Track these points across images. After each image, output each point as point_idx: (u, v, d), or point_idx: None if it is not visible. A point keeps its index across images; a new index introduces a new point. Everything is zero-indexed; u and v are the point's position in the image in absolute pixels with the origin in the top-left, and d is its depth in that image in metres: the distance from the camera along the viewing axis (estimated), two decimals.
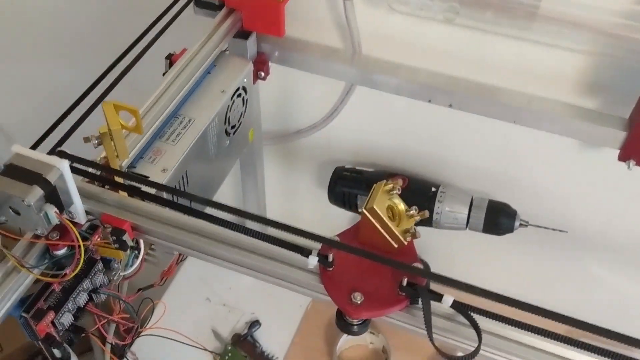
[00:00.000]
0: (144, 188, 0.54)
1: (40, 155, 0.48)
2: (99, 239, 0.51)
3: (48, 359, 0.50)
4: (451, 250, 0.97)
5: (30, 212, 0.46)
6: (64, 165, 0.48)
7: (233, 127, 0.72)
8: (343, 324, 0.49)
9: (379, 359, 0.94)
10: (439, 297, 0.46)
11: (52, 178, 0.47)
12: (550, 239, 0.82)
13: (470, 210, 0.77)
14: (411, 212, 0.50)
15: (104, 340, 0.58)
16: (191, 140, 0.63)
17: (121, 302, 0.54)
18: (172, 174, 0.60)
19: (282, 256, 0.50)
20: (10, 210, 0.47)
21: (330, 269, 0.49)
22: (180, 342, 0.73)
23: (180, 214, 0.52)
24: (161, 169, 0.60)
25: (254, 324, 0.96)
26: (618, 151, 0.64)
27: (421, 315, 0.46)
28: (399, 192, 0.50)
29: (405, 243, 0.50)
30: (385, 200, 0.50)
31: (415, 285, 0.47)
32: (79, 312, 0.51)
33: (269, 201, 0.98)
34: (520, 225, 0.77)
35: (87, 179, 0.54)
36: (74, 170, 0.51)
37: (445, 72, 0.71)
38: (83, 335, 0.52)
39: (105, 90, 0.60)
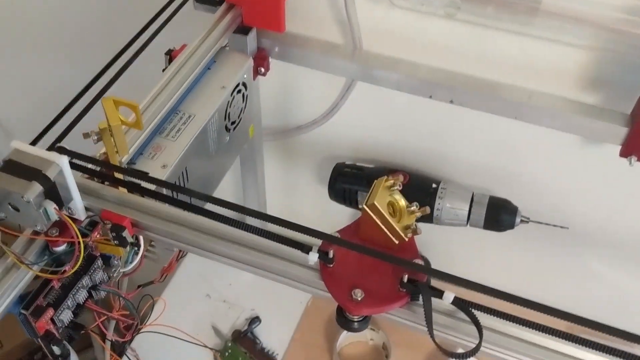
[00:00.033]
0: (144, 184, 0.54)
1: (39, 151, 0.48)
2: (98, 236, 0.51)
3: (48, 355, 0.50)
4: (452, 246, 0.97)
5: (29, 208, 0.46)
6: (64, 161, 0.47)
7: (233, 123, 0.72)
8: (343, 320, 0.49)
9: (380, 356, 0.94)
10: (439, 294, 0.45)
11: (51, 174, 0.47)
12: (551, 235, 0.82)
13: (471, 206, 0.77)
14: (412, 208, 0.50)
15: (103, 337, 0.58)
16: (191, 136, 0.63)
17: (121, 299, 0.54)
18: (172, 170, 0.60)
19: (283, 252, 0.50)
20: (10, 207, 0.47)
21: (331, 265, 0.48)
22: (180, 339, 0.73)
23: (180, 210, 0.52)
24: (161, 165, 0.60)
25: (254, 320, 0.96)
26: (619, 147, 0.64)
27: (422, 312, 0.45)
28: (400, 188, 0.50)
29: (406, 239, 0.50)
30: (386, 197, 0.50)
31: (416, 281, 0.46)
32: (78, 309, 0.51)
33: (269, 197, 0.98)
34: (521, 221, 0.77)
35: (86, 175, 0.54)
36: (73, 166, 0.51)
37: (446, 68, 0.70)
38: (83, 332, 0.52)
39: (105, 86, 0.60)
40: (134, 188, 0.53)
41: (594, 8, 0.61)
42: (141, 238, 0.54)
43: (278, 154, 0.97)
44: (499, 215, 0.77)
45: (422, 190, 0.79)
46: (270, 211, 1.01)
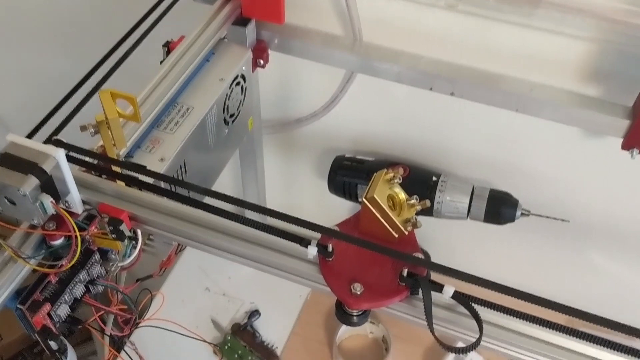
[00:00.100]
0: (142, 177, 0.53)
1: (35, 144, 0.47)
2: (96, 230, 0.50)
3: (45, 350, 0.50)
4: (452, 240, 0.97)
5: (25, 201, 0.46)
6: (60, 154, 0.47)
7: (232, 115, 0.71)
8: (342, 314, 0.48)
9: (379, 349, 0.94)
10: (439, 288, 0.45)
11: (47, 167, 0.46)
12: (552, 229, 0.82)
13: (471, 199, 0.77)
14: (412, 201, 0.50)
15: (102, 331, 0.57)
16: (189, 129, 0.62)
17: (119, 293, 0.54)
18: (170, 163, 0.60)
19: (282, 246, 0.49)
20: (6, 200, 0.47)
21: (330, 259, 0.48)
22: (180, 333, 0.73)
23: (179, 204, 0.51)
24: (159, 159, 0.59)
25: (254, 313, 0.96)
26: (621, 140, 0.64)
27: (422, 306, 0.45)
28: (400, 181, 0.50)
29: (406, 233, 0.49)
30: (386, 190, 0.49)
31: (415, 275, 0.46)
32: (75, 303, 0.51)
33: (269, 190, 0.98)
34: (522, 214, 0.77)
35: (84, 168, 0.54)
36: (70, 159, 0.51)
37: (447, 60, 0.70)
38: (80, 327, 0.52)
39: (102, 78, 0.60)
40: (131, 181, 0.53)
41: None
42: (139, 232, 0.53)
43: (277, 146, 0.96)
44: (500, 208, 0.76)
45: (422, 183, 0.79)
46: (270, 204, 1.01)
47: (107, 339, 0.61)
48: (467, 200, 0.77)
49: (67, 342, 0.51)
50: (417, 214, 0.50)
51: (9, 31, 1.02)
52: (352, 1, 0.70)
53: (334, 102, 0.83)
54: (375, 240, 0.48)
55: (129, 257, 0.53)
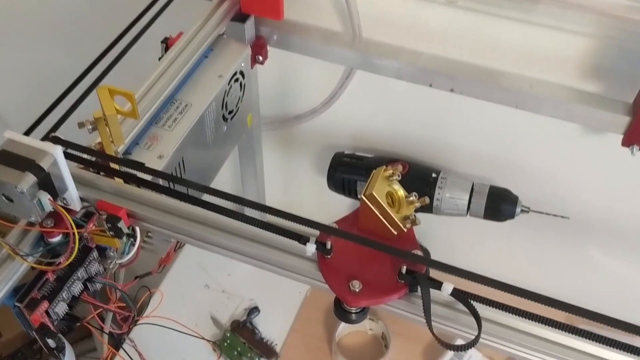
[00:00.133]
0: (140, 175, 0.53)
1: (33, 141, 0.47)
2: (94, 227, 0.50)
3: (43, 348, 0.50)
4: (452, 236, 0.96)
5: (23, 199, 0.46)
6: (57, 151, 0.47)
7: (231, 112, 0.71)
8: (341, 312, 0.48)
9: (379, 346, 0.94)
10: (438, 285, 0.45)
11: (45, 164, 0.46)
12: (552, 225, 0.82)
13: (471, 196, 0.77)
14: (411, 198, 0.50)
15: (101, 329, 0.57)
16: (188, 126, 0.62)
17: (117, 291, 0.53)
18: (169, 160, 0.60)
19: (280, 244, 0.49)
20: (3, 197, 0.47)
21: (329, 256, 0.48)
22: (179, 331, 0.73)
23: (177, 201, 0.51)
24: (157, 156, 0.59)
25: (253, 310, 0.96)
26: (621, 136, 0.63)
27: (420, 303, 0.45)
28: (399, 178, 0.50)
29: (405, 230, 0.49)
30: (385, 187, 0.49)
31: (414, 272, 0.46)
32: (73, 301, 0.51)
33: (268, 187, 0.97)
34: (522, 211, 0.77)
35: (82, 165, 0.53)
36: (68, 156, 0.51)
37: (447, 56, 0.69)
38: (78, 324, 0.52)
39: (100, 75, 0.59)
40: (129, 179, 0.53)
41: None
42: (137, 229, 0.53)
43: (277, 143, 0.96)
44: (499, 205, 0.76)
45: (421, 180, 0.79)
46: (269, 201, 1.01)
47: (105, 336, 0.61)
48: (467, 197, 0.77)
49: (65, 340, 0.51)
50: (417, 211, 0.50)
51: (6, 28, 1.02)
52: None
53: (334, 98, 0.83)
54: (374, 237, 0.48)
55: (127, 254, 0.53)
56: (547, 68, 0.68)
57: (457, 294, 0.45)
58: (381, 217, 0.48)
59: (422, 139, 0.84)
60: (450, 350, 0.44)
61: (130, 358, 0.72)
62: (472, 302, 0.44)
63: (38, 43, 1.02)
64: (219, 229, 0.50)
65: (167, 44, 0.67)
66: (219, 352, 0.91)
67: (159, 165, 0.58)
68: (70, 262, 0.48)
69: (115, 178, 0.53)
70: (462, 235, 0.95)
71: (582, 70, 0.67)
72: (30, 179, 0.45)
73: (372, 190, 0.47)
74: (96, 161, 0.54)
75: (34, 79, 1.06)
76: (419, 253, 0.47)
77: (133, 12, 0.65)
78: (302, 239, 0.47)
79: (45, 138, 0.53)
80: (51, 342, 0.49)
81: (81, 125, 0.52)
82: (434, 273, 0.46)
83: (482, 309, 0.44)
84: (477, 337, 0.44)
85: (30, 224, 0.49)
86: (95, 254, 0.51)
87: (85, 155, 0.53)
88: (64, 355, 0.51)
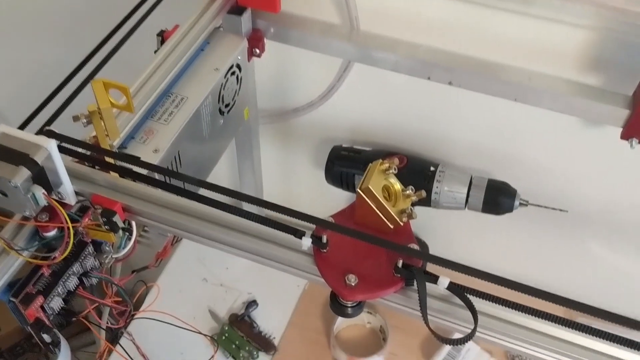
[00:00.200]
0: (136, 169, 0.53)
1: (27, 135, 0.47)
2: (89, 221, 0.50)
3: (39, 343, 0.50)
4: (450, 230, 0.96)
5: (17, 193, 0.45)
6: (52, 145, 0.46)
7: (227, 105, 0.71)
8: (337, 306, 0.48)
9: (377, 339, 0.94)
10: (434, 279, 0.45)
11: (39, 158, 0.46)
12: (551, 219, 0.82)
13: (469, 189, 0.76)
14: (407, 192, 0.49)
15: (98, 324, 0.57)
16: (184, 120, 0.62)
17: (113, 285, 0.53)
18: (165, 154, 0.59)
19: (277, 238, 0.49)
20: None
21: (325, 250, 0.48)
22: (176, 325, 0.73)
23: (173, 195, 0.51)
24: (153, 150, 0.59)
25: (251, 304, 0.96)
26: (620, 129, 0.63)
27: (417, 297, 0.45)
28: (395, 172, 0.49)
29: (401, 224, 0.49)
30: (381, 180, 0.49)
31: (410, 266, 0.46)
32: (69, 296, 0.50)
33: (266, 181, 0.97)
34: (520, 204, 0.76)
35: (76, 159, 0.53)
36: (62, 150, 0.50)
37: (445, 49, 0.69)
38: (74, 319, 0.52)
39: (96, 68, 0.59)
40: (125, 173, 0.53)
41: None
42: (134, 223, 0.53)
43: (274, 137, 0.96)
44: (498, 198, 0.76)
45: (420, 173, 0.79)
46: (267, 195, 1.01)
47: (102, 332, 0.60)
48: (465, 190, 0.76)
49: (60, 335, 0.51)
50: (414, 204, 0.50)
51: (1, 22, 1.01)
52: None
53: (331, 91, 0.83)
54: (370, 231, 0.48)
55: (123, 248, 0.53)
56: (546, 60, 0.67)
57: (453, 287, 0.45)
58: (377, 211, 0.48)
59: (421, 132, 0.84)
60: (446, 344, 0.44)
61: (127, 354, 0.72)
62: (468, 295, 0.44)
63: (32, 36, 1.01)
64: (214, 223, 0.50)
65: (162, 37, 0.66)
66: (215, 347, 0.91)
67: (154, 159, 0.58)
68: (66, 257, 0.48)
69: (111, 172, 0.53)
70: (461, 228, 0.95)
71: (581, 63, 0.67)
72: (24, 173, 0.45)
73: (368, 184, 0.47)
74: (91, 155, 0.54)
75: (28, 72, 1.05)
76: (415, 247, 0.47)
77: (128, 5, 0.65)
78: (298, 233, 0.47)
79: (40, 132, 0.53)
80: (46, 337, 0.49)
81: (76, 118, 0.52)
82: (431, 267, 0.46)
83: (478, 302, 0.44)
84: (473, 331, 0.44)
85: (25, 218, 0.49)
86: (90, 248, 0.51)
87: (80, 149, 0.53)
88: (59, 349, 0.51)
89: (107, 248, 0.52)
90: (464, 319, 0.45)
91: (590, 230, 0.85)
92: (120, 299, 0.55)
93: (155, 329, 0.77)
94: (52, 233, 0.49)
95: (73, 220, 0.48)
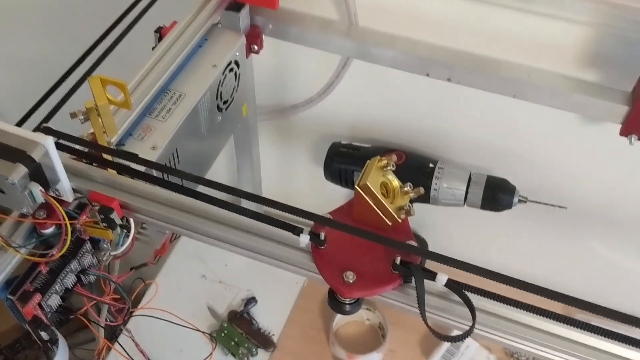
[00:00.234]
0: (134, 166, 0.53)
1: (24, 131, 0.47)
2: (86, 218, 0.50)
3: (36, 340, 0.50)
4: (450, 226, 0.96)
5: (14, 190, 0.45)
6: (49, 141, 0.46)
7: (225, 102, 0.71)
8: (335, 303, 0.48)
9: (376, 336, 0.94)
10: (432, 276, 0.45)
11: (36, 155, 0.46)
12: (550, 215, 0.81)
13: (468, 186, 0.76)
14: (406, 188, 0.49)
15: (97, 322, 0.57)
16: (182, 117, 0.62)
17: (111, 283, 0.53)
18: (163, 151, 0.59)
19: (275, 235, 0.49)
20: None
21: (323, 247, 0.48)
22: (175, 322, 0.73)
23: (171, 192, 0.51)
24: (151, 146, 0.59)
25: (250, 300, 0.96)
26: (619, 126, 0.63)
27: (415, 294, 0.45)
28: (393, 169, 0.49)
29: (400, 220, 0.49)
30: (379, 177, 0.49)
31: (408, 263, 0.46)
32: (67, 293, 0.50)
33: (264, 178, 0.97)
34: (519, 201, 0.76)
35: (74, 156, 0.53)
36: (60, 147, 0.50)
37: (444, 45, 0.69)
38: (72, 317, 0.52)
39: (93, 65, 0.59)
40: (123, 170, 0.52)
41: None
42: (132, 220, 0.53)
43: (273, 133, 0.96)
44: (497, 194, 0.76)
45: (419, 170, 0.78)
46: (266, 192, 1.01)
47: (101, 329, 0.60)
48: (464, 187, 0.76)
49: (58, 332, 0.50)
50: (413, 201, 0.50)
51: None
52: None
53: (330, 88, 0.83)
54: (368, 228, 0.48)
55: (121, 246, 0.53)
56: (545, 57, 0.67)
57: (451, 284, 0.44)
58: (375, 208, 0.48)
59: (420, 128, 0.84)
60: (444, 341, 0.44)
61: (126, 351, 0.72)
62: (466, 292, 0.44)
63: (30, 32, 1.01)
64: (213, 220, 0.50)
65: (160, 33, 0.66)
66: (214, 344, 0.91)
67: (152, 156, 0.58)
68: (63, 254, 0.48)
69: (108, 169, 0.53)
70: (460, 225, 0.95)
71: (581, 59, 0.66)
72: (21, 170, 0.45)
73: (366, 181, 0.47)
74: (89, 152, 0.53)
75: (26, 69, 1.05)
76: (414, 244, 0.47)
77: (126, 1, 0.65)
78: (296, 230, 0.47)
79: (37, 129, 0.52)
80: (44, 335, 0.49)
81: (73, 115, 0.52)
82: (429, 264, 0.46)
83: (476, 299, 0.44)
84: (471, 328, 0.44)
85: (23, 216, 0.49)
86: (88, 245, 0.51)
87: (77, 146, 0.53)
88: (57, 347, 0.51)
89: (105, 245, 0.52)
90: (463, 316, 0.45)
91: (589, 226, 0.85)
92: (118, 297, 0.55)
93: (154, 326, 0.77)
94: (50, 230, 0.49)
95: (71, 218, 0.48)
